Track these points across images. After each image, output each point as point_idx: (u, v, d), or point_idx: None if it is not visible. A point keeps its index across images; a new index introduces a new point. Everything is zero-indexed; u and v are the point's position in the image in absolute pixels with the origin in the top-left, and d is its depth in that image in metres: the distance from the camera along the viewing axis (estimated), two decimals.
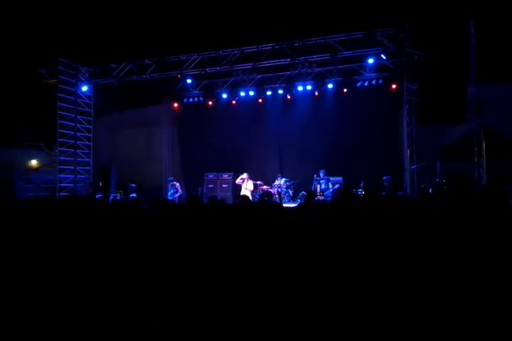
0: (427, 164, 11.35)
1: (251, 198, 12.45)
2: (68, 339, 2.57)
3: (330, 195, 12.29)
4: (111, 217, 4.89)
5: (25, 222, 4.41)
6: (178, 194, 13.42)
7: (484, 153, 10.58)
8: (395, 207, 4.45)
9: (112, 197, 13.78)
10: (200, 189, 14.67)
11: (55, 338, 2.59)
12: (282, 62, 13.04)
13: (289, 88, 14.44)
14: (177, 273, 3.02)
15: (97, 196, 13.65)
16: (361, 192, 11.86)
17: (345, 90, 13.59)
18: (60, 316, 2.70)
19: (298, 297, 2.67)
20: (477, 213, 3.96)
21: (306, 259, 3.07)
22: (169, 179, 13.89)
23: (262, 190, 13.68)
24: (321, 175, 12.83)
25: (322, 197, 11.86)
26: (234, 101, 15.08)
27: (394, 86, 12.84)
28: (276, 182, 13.74)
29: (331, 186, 12.60)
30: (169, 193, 13.59)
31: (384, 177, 12.24)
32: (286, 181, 13.78)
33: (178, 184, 13.66)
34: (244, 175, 13.02)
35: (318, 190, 12.66)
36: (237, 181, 13.18)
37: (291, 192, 13.87)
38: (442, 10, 10.40)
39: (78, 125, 14.59)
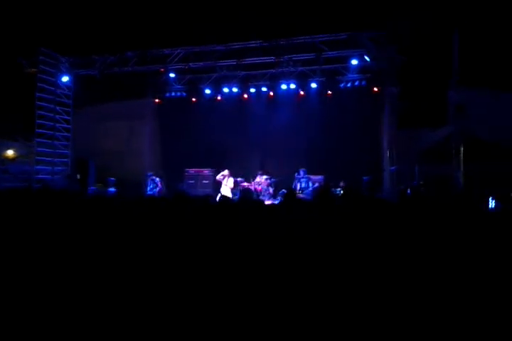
0: (405, 166, 11.52)
1: (231, 195, 12.50)
2: (65, 338, 2.54)
3: (310, 193, 12.37)
4: (90, 211, 4.83)
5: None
6: (158, 188, 13.35)
7: (462, 156, 10.79)
8: (374, 208, 4.51)
9: (91, 191, 13.64)
10: (180, 184, 14.59)
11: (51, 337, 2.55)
12: (267, 59, 13.05)
13: (273, 86, 14.47)
14: (162, 271, 3.00)
15: (91, 188, 13.55)
16: (339, 191, 11.98)
17: (329, 92, 13.70)
18: (46, 313, 2.66)
19: (286, 296, 2.69)
20: (453, 215, 4.05)
21: (287, 257, 3.09)
22: (149, 174, 13.78)
23: (243, 186, 13.68)
24: (302, 173, 12.92)
25: (302, 195, 11.93)
26: (218, 98, 15.04)
27: (376, 88, 13.00)
28: (257, 180, 13.76)
29: (311, 185, 12.70)
30: (148, 188, 13.50)
31: (364, 177, 12.37)
32: (266, 179, 13.80)
33: (158, 179, 13.58)
34: (226, 172, 13.03)
35: (298, 188, 12.75)
36: (218, 177, 13.18)
37: (271, 190, 13.90)
38: (426, 16, 10.55)
39: (57, 116, 14.35)
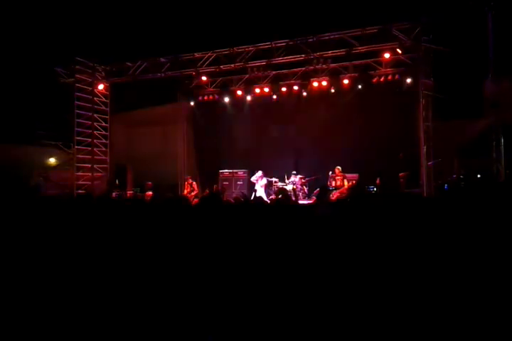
0: (443, 160, 11.20)
1: (265, 195, 12.52)
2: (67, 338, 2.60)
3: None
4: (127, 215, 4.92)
5: (44, 220, 4.48)
6: (195, 192, 13.52)
7: (503, 148, 10.38)
8: (409, 204, 4.39)
9: (129, 195, 13.96)
10: (215, 186, 14.73)
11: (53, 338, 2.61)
12: (297, 58, 12.96)
13: (304, 84, 14.36)
14: (189, 271, 3.03)
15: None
16: (373, 188, 11.78)
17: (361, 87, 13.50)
18: (62, 314, 2.73)
19: (304, 296, 2.66)
20: (496, 209, 3.88)
21: (318, 256, 3.06)
22: (186, 177, 14.01)
23: (277, 186, 13.68)
24: (337, 171, 12.74)
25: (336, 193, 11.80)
26: (249, 98, 15.07)
27: (410, 81, 12.70)
28: (292, 179, 13.72)
29: (346, 183, 12.51)
30: (186, 191, 13.73)
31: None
32: (301, 178, 13.74)
33: (194, 182, 13.77)
34: (259, 173, 13.10)
35: (334, 185, 12.59)
36: (252, 179, 13.28)
37: (306, 189, 13.82)
38: (459, 3, 10.23)
39: (95, 123, 14.76)
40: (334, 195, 11.59)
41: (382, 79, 13.40)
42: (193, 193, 13.49)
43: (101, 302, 2.82)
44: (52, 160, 15.63)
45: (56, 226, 4.20)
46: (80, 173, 14.51)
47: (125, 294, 2.87)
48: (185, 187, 14.01)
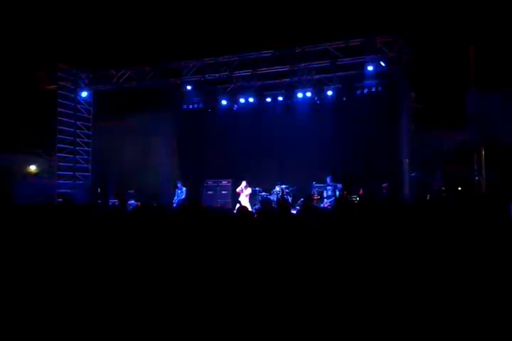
0: (425, 171, 11.31)
1: (249, 205, 12.47)
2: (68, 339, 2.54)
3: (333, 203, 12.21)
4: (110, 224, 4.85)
5: (23, 228, 4.39)
6: (184, 197, 13.39)
7: (483, 160, 10.54)
8: (393, 213, 4.42)
9: (110, 203, 13.77)
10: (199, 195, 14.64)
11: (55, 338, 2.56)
12: (282, 68, 13.05)
13: (289, 95, 14.44)
14: (180, 275, 3.00)
15: (111, 201, 13.70)
16: (356, 198, 11.82)
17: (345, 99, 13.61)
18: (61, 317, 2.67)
19: (296, 301, 2.64)
20: (476, 220, 3.93)
21: (306, 264, 3.05)
22: (178, 183, 13.83)
23: (261, 196, 13.65)
24: (328, 180, 12.69)
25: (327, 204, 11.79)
26: (234, 108, 15.08)
27: (392, 93, 12.86)
28: (276, 189, 13.71)
29: (337, 193, 12.45)
30: (176, 197, 13.59)
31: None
32: (285, 188, 13.73)
33: (185, 188, 13.66)
34: (243, 183, 13.08)
35: (325, 196, 12.54)
36: (238, 190, 13.23)
37: (290, 199, 13.81)
38: (442, 17, 10.43)
39: (77, 131, 14.59)
40: (325, 205, 11.62)
41: (365, 90, 13.54)
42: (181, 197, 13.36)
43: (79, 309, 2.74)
44: (32, 168, 15.36)
45: (33, 235, 4.11)
46: (61, 181, 14.27)
47: (105, 300, 2.80)
48: (176, 192, 13.84)
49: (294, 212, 11.91)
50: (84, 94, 14.79)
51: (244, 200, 12.97)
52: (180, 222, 4.37)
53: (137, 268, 3.19)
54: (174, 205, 12.49)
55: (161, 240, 3.70)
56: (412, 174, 11.40)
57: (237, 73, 13.50)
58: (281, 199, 11.32)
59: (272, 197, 13.36)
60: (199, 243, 3.52)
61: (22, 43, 13.23)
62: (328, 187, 12.67)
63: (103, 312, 2.74)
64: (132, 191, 14.14)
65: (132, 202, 13.21)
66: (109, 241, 3.86)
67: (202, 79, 13.76)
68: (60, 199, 13.70)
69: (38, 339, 2.61)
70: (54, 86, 14.09)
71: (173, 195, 13.82)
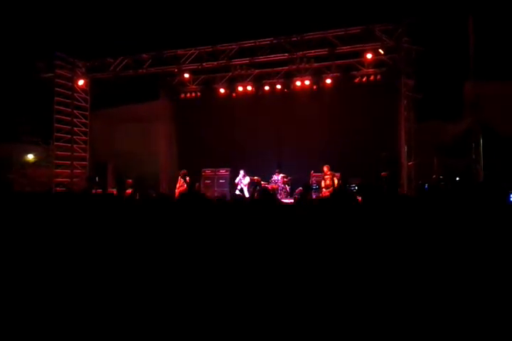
0: (424, 160, 11.32)
1: (247, 194, 12.49)
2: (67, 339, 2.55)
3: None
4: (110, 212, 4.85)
5: (21, 216, 4.39)
6: (183, 188, 13.31)
7: (481, 149, 10.55)
8: (392, 204, 4.42)
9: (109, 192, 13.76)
10: (197, 184, 14.62)
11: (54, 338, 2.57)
12: (280, 57, 12.95)
13: (287, 83, 14.38)
14: (174, 270, 3.00)
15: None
16: (354, 187, 11.82)
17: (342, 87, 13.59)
18: (56, 314, 2.68)
19: (293, 296, 2.65)
20: (475, 209, 3.93)
21: (302, 257, 3.05)
22: (182, 171, 13.64)
23: (264, 185, 13.64)
24: (325, 170, 12.72)
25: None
26: (232, 96, 15.02)
27: (391, 82, 12.82)
28: (274, 178, 13.71)
29: (336, 182, 12.42)
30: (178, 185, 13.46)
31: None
32: (283, 177, 13.74)
33: (188, 177, 13.55)
34: (241, 173, 13.08)
35: (323, 185, 12.54)
36: (236, 181, 13.23)
37: (288, 188, 13.83)
38: (441, 5, 10.35)
39: (75, 119, 14.52)
40: (324, 195, 11.59)
41: (364, 79, 13.52)
42: (181, 188, 13.29)
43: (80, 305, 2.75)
44: (30, 157, 15.33)
45: (32, 223, 4.12)
46: (58, 170, 14.24)
47: (109, 295, 2.81)
48: (178, 180, 13.74)
49: (291, 200, 11.98)
50: (81, 82, 14.66)
51: (243, 189, 13.01)
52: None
53: (141, 257, 3.20)
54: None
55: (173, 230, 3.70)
56: (410, 163, 11.39)
57: (236, 61, 13.39)
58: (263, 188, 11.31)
59: (269, 186, 13.36)
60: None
61: (19, 32, 13.10)
62: (326, 177, 12.64)
63: (104, 304, 2.76)
64: (131, 180, 14.13)
65: (130, 191, 13.13)
66: (109, 230, 3.87)
67: (200, 67, 13.65)
68: (59, 188, 13.71)
69: (37, 334, 2.61)
70: (51, 74, 13.97)
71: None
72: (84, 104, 14.96)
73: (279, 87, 14.54)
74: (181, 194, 5.42)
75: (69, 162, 14.44)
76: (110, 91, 14.39)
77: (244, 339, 2.43)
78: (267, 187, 12.70)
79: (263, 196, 6.92)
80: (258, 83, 14.67)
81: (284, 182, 13.75)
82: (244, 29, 12.39)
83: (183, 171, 13.06)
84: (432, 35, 10.72)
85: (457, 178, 11.05)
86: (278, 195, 13.17)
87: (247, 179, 13.06)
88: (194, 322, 2.53)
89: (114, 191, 13.78)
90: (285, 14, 11.87)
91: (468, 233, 3.17)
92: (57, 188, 13.73)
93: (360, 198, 5.84)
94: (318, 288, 2.67)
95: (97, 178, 14.33)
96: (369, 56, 12.24)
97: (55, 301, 2.78)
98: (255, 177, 13.78)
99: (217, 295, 2.68)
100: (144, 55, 13.76)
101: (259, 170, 14.18)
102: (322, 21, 11.88)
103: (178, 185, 13.44)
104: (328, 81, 13.81)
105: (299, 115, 14.40)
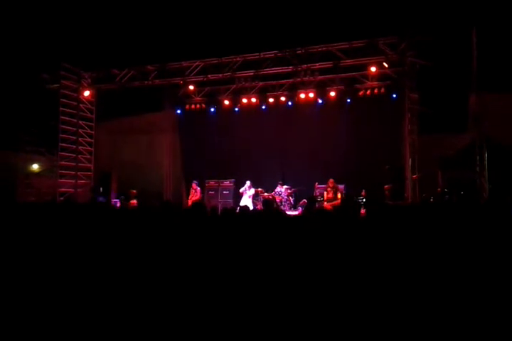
0: (428, 173, 11.29)
1: (251, 205, 12.47)
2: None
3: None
4: (113, 222, 4.85)
5: (25, 226, 4.39)
6: (195, 197, 13.40)
7: (486, 163, 10.53)
8: (397, 215, 4.41)
9: (114, 203, 13.77)
10: (201, 196, 14.63)
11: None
12: (285, 69, 13.04)
13: (291, 96, 14.46)
14: (179, 276, 3.00)
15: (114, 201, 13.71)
16: (362, 199, 11.79)
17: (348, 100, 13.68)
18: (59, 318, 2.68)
19: (297, 303, 2.64)
20: (480, 223, 3.92)
21: (306, 266, 3.05)
22: (194, 181, 13.87)
23: (263, 197, 13.65)
24: (330, 184, 12.64)
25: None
26: (236, 108, 15.11)
27: (395, 95, 12.88)
28: (278, 190, 13.71)
29: (339, 196, 12.39)
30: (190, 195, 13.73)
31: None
32: (287, 189, 13.72)
33: (199, 188, 13.69)
34: (248, 183, 13.12)
35: (325, 197, 12.51)
36: (241, 190, 13.26)
37: (292, 200, 13.81)
38: (444, 19, 10.42)
39: (80, 130, 14.60)
40: (325, 207, 11.53)
41: (368, 92, 13.58)
42: (194, 198, 13.38)
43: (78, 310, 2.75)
44: (35, 167, 15.38)
45: (35, 233, 4.12)
46: (63, 180, 14.27)
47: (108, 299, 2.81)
48: (191, 191, 13.88)
49: (295, 213, 11.95)
50: (86, 93, 14.78)
51: (247, 201, 13.00)
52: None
53: (141, 262, 3.20)
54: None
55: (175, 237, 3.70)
56: (415, 176, 11.36)
57: (240, 73, 13.49)
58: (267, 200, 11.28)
59: (273, 198, 13.35)
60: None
61: (25, 42, 13.23)
62: (329, 189, 12.61)
63: (104, 307, 2.75)
64: (135, 190, 14.14)
65: (135, 201, 13.13)
66: (111, 238, 3.87)
67: (205, 79, 13.75)
68: (62, 198, 13.71)
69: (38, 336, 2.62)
70: (57, 85, 14.09)
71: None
72: (89, 114, 15.05)
73: (283, 99, 14.62)
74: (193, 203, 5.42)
75: (73, 172, 14.47)
76: (115, 103, 14.48)
77: None
78: (272, 199, 12.71)
79: (267, 208, 6.92)
80: (262, 95, 14.75)
81: (287, 194, 13.73)
82: (249, 42, 12.48)
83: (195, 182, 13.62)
84: (435, 48, 10.77)
85: (462, 192, 10.99)
86: (282, 206, 13.15)
87: (252, 190, 13.07)
88: (198, 328, 2.52)
89: (118, 201, 13.82)
90: (290, 27, 11.94)
91: (471, 245, 3.17)
92: (62, 198, 13.73)
93: (363, 211, 5.84)
94: (322, 296, 2.66)
95: (101, 189, 14.34)
96: (373, 69, 12.30)
97: (58, 309, 2.78)
98: (259, 189, 13.79)
99: (220, 304, 2.68)
100: (150, 67, 13.89)
101: (263, 182, 14.20)
102: (326, 34, 11.96)
103: (190, 196, 13.56)
104: (333, 94, 13.88)
105: (302, 127, 14.45)
